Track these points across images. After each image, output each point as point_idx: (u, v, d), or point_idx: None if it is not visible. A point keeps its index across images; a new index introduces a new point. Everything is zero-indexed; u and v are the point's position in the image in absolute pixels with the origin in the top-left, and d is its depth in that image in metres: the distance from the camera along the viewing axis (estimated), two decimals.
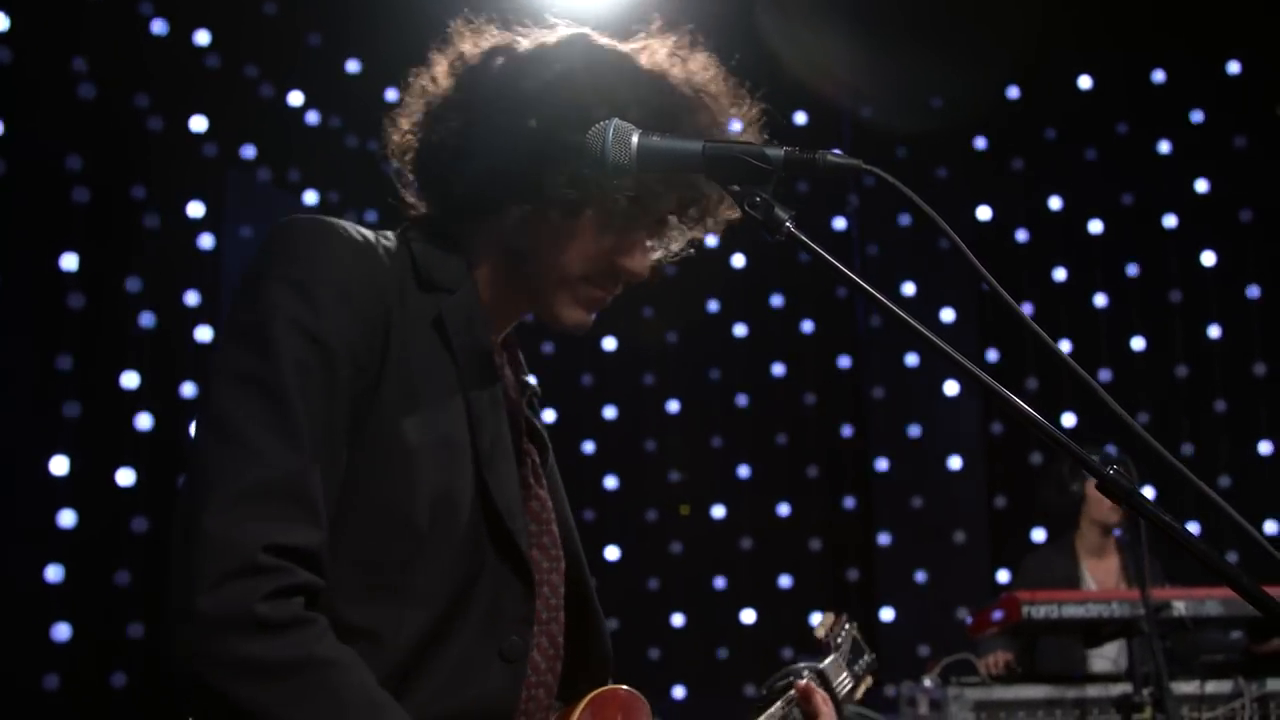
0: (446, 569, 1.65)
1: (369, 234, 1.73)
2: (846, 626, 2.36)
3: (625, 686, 1.85)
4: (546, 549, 1.83)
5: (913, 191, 1.55)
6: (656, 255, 1.89)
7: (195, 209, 6.38)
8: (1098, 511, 5.50)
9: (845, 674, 2.27)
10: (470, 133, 1.76)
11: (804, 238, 1.56)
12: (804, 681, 2.14)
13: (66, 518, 5.92)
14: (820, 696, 2.11)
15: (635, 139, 1.64)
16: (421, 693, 1.62)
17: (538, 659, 1.78)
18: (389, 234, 1.78)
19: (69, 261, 6.04)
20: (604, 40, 1.84)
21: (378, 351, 1.64)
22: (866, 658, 2.37)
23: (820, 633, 2.30)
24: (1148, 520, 1.37)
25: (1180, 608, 4.52)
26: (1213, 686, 4.59)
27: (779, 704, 2.08)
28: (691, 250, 1.93)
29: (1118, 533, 5.48)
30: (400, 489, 1.63)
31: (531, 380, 1.95)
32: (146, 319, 6.15)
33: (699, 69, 1.84)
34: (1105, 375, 7.53)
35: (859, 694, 2.36)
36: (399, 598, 1.62)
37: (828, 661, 2.24)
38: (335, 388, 1.59)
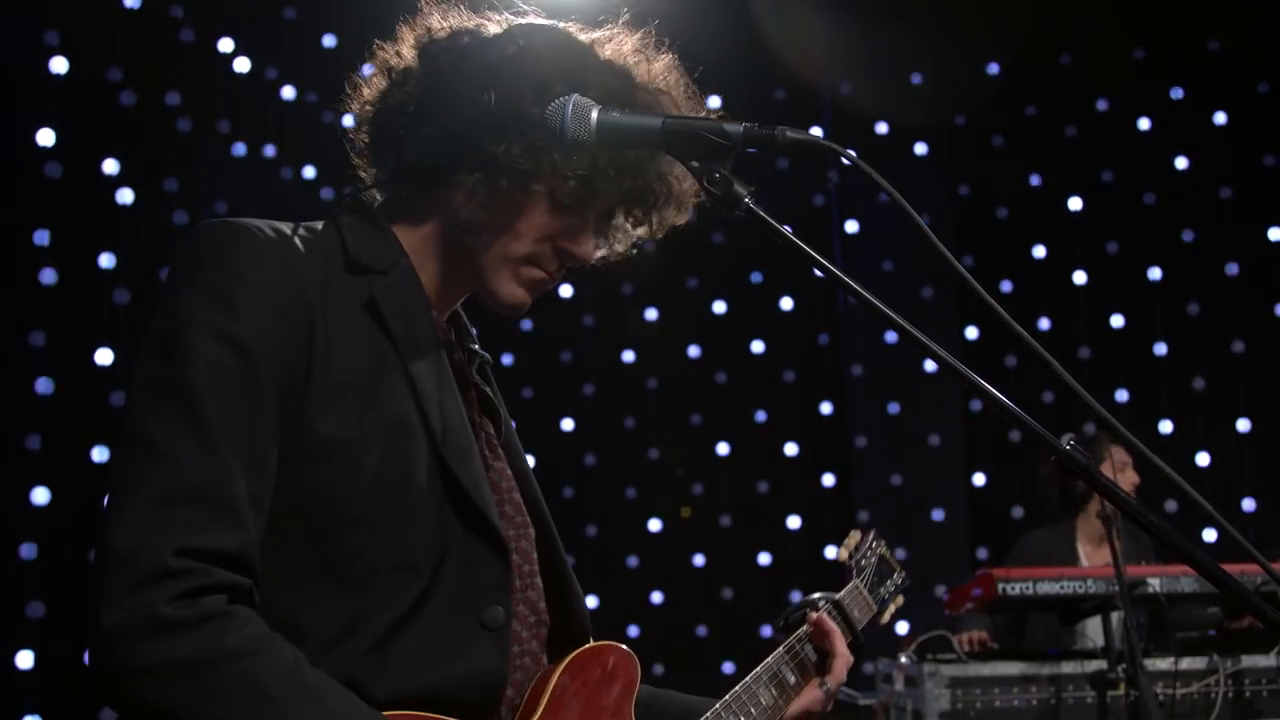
0: (411, 551, 1.64)
1: (284, 227, 1.70)
2: (873, 544, 2.30)
3: (609, 642, 1.83)
4: (511, 517, 1.82)
5: (890, 168, 1.53)
6: (601, 253, 1.88)
7: (170, 184, 6.33)
8: (1096, 516, 5.50)
9: (868, 599, 2.22)
10: (427, 100, 1.75)
11: (763, 214, 1.54)
12: (817, 614, 2.11)
13: (40, 495, 5.89)
14: (835, 634, 2.09)
15: (595, 114, 1.63)
16: (401, 670, 1.60)
17: (518, 628, 1.77)
18: (315, 224, 1.75)
19: (41, 237, 5.99)
20: (572, 28, 1.84)
21: (303, 346, 1.61)
22: (896, 577, 2.31)
23: (843, 555, 2.24)
24: (1103, 496, 1.35)
25: (1155, 584, 4.53)
26: (1188, 663, 4.60)
27: (786, 644, 2.06)
28: (634, 251, 1.91)
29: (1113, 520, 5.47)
30: (344, 481, 1.61)
31: (480, 350, 1.92)
32: (120, 295, 6.12)
33: (661, 69, 1.84)
34: (1085, 352, 7.54)
35: (886, 617, 2.31)
36: (363, 587, 1.61)
37: (846, 590, 2.19)
38: (259, 389, 1.56)
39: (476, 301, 1.89)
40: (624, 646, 1.84)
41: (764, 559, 7.56)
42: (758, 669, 2.02)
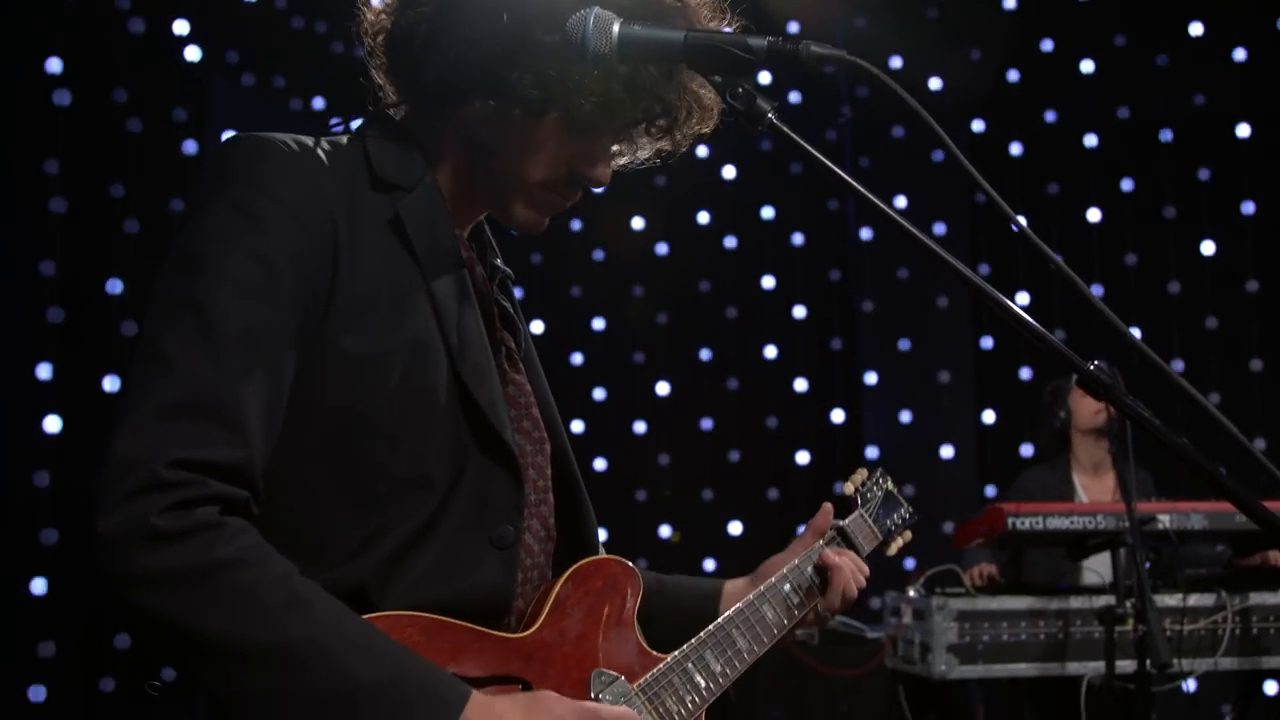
0: (428, 467, 1.64)
1: (309, 141, 1.68)
2: (880, 480, 2.31)
3: (611, 556, 1.84)
4: (529, 433, 1.82)
5: (905, 110, 1.50)
6: (622, 161, 1.86)
7: (178, 115, 6.29)
8: (1084, 418, 5.48)
9: (873, 529, 2.24)
10: (442, 21, 1.72)
11: (786, 129, 1.52)
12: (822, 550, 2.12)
13: (52, 424, 5.91)
14: (838, 555, 2.11)
15: (616, 27, 1.61)
16: (411, 583, 1.61)
17: (530, 542, 1.78)
18: (340, 138, 1.74)
19: (51, 166, 5.96)
20: None
21: (328, 262, 1.61)
22: (903, 512, 2.32)
23: (848, 488, 2.26)
24: (1127, 415, 1.35)
25: (1165, 521, 4.53)
26: (1196, 599, 4.61)
27: (789, 565, 2.08)
28: (658, 161, 1.89)
29: (1110, 448, 5.46)
30: (367, 396, 1.61)
31: (501, 264, 1.91)
32: (130, 225, 6.10)
33: None
34: (1097, 290, 7.50)
35: (892, 550, 2.32)
36: (380, 502, 1.62)
37: (850, 518, 2.21)
38: (280, 305, 1.56)
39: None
40: (626, 560, 1.85)
41: (773, 494, 7.59)
42: (762, 587, 2.04)
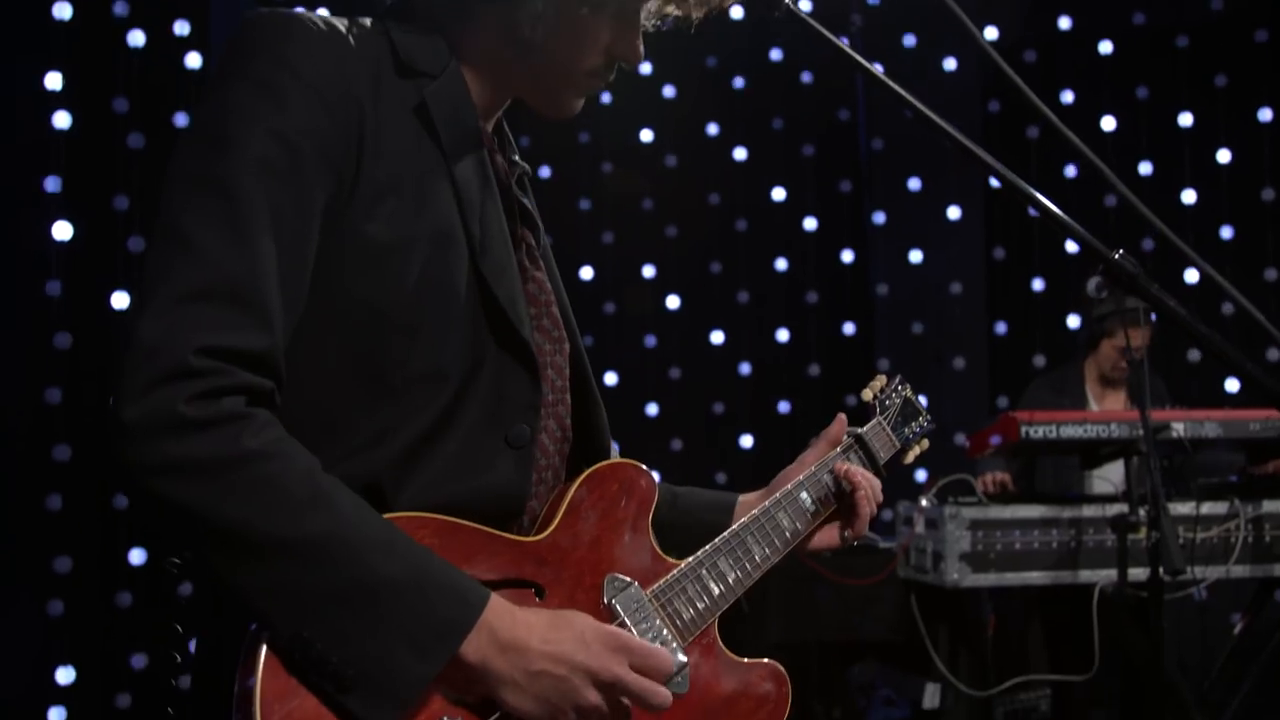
0: (445, 362, 1.62)
1: (338, 22, 1.64)
2: (899, 387, 2.29)
3: (627, 460, 1.82)
4: (548, 331, 1.80)
5: (914, 13, 1.46)
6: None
7: (181, 27, 6.21)
8: (1104, 364, 5.47)
9: (891, 436, 2.22)
10: None
11: (802, 13, 1.48)
12: (839, 463, 2.10)
13: (62, 340, 5.91)
14: (854, 472, 2.08)
15: None
16: (425, 481, 1.60)
17: (546, 442, 1.77)
18: (364, 20, 1.69)
19: (53, 81, 5.89)
20: None
21: (353, 145, 1.57)
22: (921, 420, 2.29)
23: (867, 395, 2.23)
24: (1153, 306, 1.31)
25: (1179, 429, 4.52)
26: (1209, 507, 4.61)
27: (806, 473, 2.06)
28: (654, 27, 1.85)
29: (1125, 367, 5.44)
30: (387, 284, 1.59)
31: (520, 161, 1.88)
32: (135, 140, 6.04)
33: None
34: (1111, 200, 7.44)
35: (909, 458, 2.30)
36: (396, 395, 1.60)
37: (869, 425, 2.19)
38: (302, 186, 1.53)
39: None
40: (641, 465, 1.83)
41: (783, 407, 7.58)
42: (778, 494, 2.02)
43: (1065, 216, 1.40)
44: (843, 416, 2.16)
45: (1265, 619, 4.81)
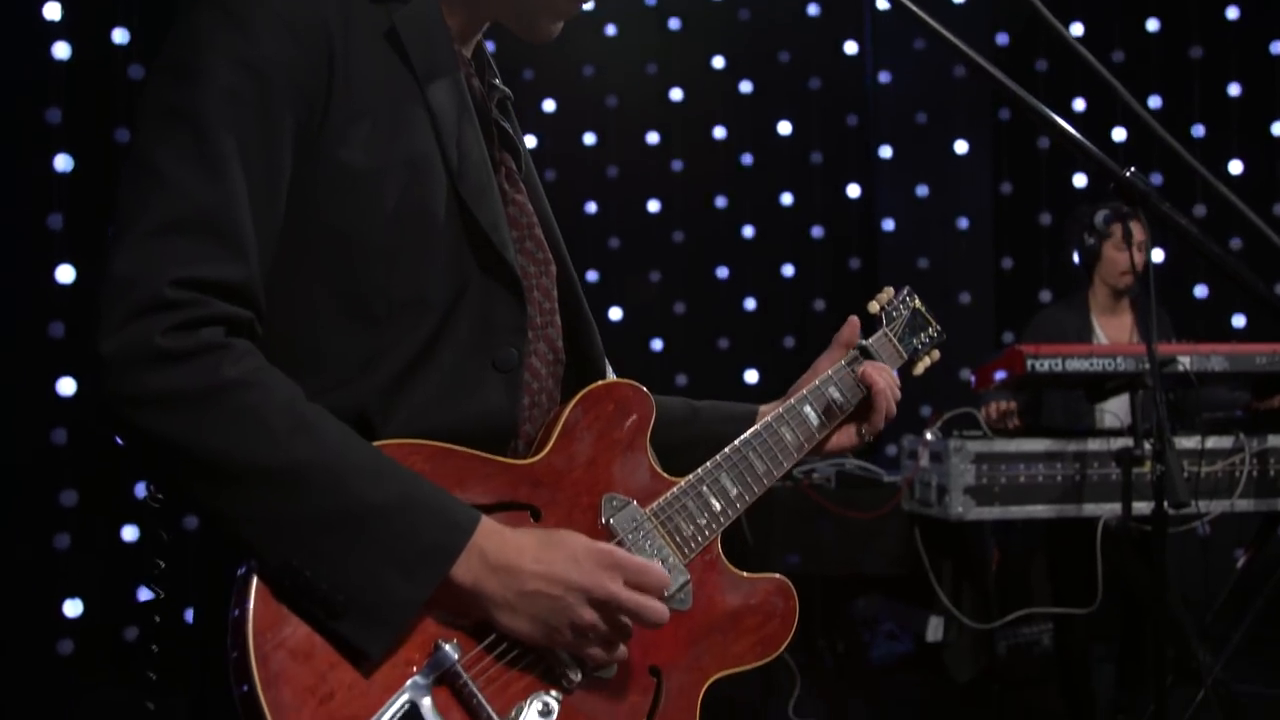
0: (428, 288, 1.61)
1: None
2: (907, 298, 2.26)
3: (623, 379, 1.80)
4: (531, 254, 1.78)
5: None
6: None
7: None
8: (1110, 273, 5.42)
9: (897, 348, 2.19)
10: None
11: None
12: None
13: (64, 274, 5.90)
14: (875, 369, 2.06)
15: None
16: (413, 409, 1.59)
17: (536, 365, 1.76)
18: None
19: (52, 11, 5.85)
20: None
21: (323, 71, 1.55)
22: (931, 330, 2.25)
23: (873, 307, 2.21)
24: (1162, 223, 1.29)
25: (1185, 362, 4.50)
26: (1213, 441, 4.60)
27: (810, 386, 2.03)
28: None
29: (1132, 292, 5.41)
30: (364, 213, 1.57)
31: (500, 85, 1.85)
32: (135, 71, 6.00)
33: None
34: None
35: (919, 369, 2.28)
36: (379, 323, 1.58)
37: (875, 337, 2.16)
38: (272, 116, 1.51)
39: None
40: (638, 384, 1.80)
41: (788, 342, 7.57)
42: (781, 409, 2.00)
43: (1077, 134, 1.37)
44: (854, 319, 2.14)
45: (1268, 553, 4.81)
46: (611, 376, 1.90)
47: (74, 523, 6.09)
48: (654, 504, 1.76)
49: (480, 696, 1.49)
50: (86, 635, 6.10)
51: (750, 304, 7.58)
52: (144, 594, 6.10)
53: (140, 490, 6.16)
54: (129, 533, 6.21)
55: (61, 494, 6.04)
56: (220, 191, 1.46)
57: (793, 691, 5.08)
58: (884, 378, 2.07)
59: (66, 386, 5.93)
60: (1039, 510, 4.57)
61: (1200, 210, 7.26)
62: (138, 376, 1.38)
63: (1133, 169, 1.38)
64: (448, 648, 1.48)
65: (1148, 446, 4.05)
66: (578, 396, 1.75)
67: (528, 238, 1.78)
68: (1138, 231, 5.02)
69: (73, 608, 6.04)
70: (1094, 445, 4.57)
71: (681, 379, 7.37)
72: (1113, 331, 5.46)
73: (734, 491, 1.86)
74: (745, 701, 5.53)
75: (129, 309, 1.39)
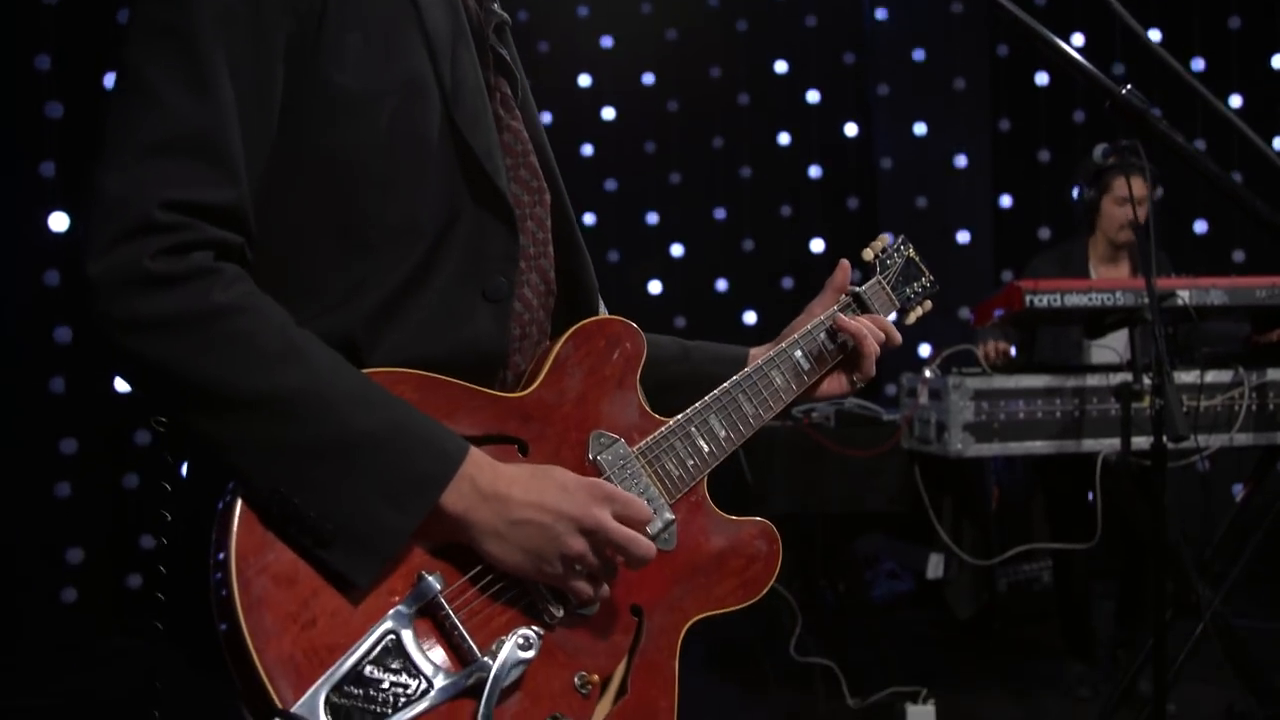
0: (420, 215, 1.59)
1: None
2: (901, 247, 2.24)
3: (615, 316, 1.79)
4: (526, 182, 1.76)
5: None
6: None
7: None
8: (1109, 227, 5.40)
9: (890, 296, 2.17)
10: None
11: None
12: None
13: (57, 221, 5.88)
14: (854, 320, 2.02)
15: None
16: (401, 337, 1.57)
17: (528, 295, 1.73)
18: None
19: None
20: None
21: None
22: (923, 280, 2.23)
23: (867, 255, 2.18)
24: (1161, 142, 1.27)
25: (1185, 296, 4.47)
26: (1213, 376, 4.59)
27: (801, 331, 2.01)
28: None
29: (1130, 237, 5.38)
30: (358, 136, 1.55)
31: (498, 9, 1.82)
32: (124, 16, 5.94)
33: None
34: (1119, 68, 7.32)
35: (911, 319, 2.26)
36: (370, 249, 1.56)
37: (868, 284, 2.13)
38: (265, 35, 1.48)
39: None
40: (629, 321, 1.79)
41: (787, 283, 7.55)
42: (771, 352, 1.98)
43: (1077, 55, 1.35)
44: (845, 263, 2.11)
45: (1268, 488, 4.81)
46: (604, 312, 1.87)
47: (75, 471, 6.11)
48: (642, 443, 1.75)
49: (462, 629, 1.49)
50: (89, 583, 6.13)
51: (748, 245, 7.55)
52: (147, 542, 6.13)
53: (141, 437, 6.17)
54: (130, 480, 6.23)
55: (61, 441, 6.05)
56: (211, 111, 1.43)
57: (794, 631, 5.10)
58: (862, 327, 2.01)
59: (64, 335, 5.92)
60: (1038, 446, 4.56)
61: (1199, 145, 7.22)
62: (127, 300, 1.36)
63: (1130, 86, 1.36)
64: (431, 579, 1.47)
65: (1147, 381, 4.03)
66: (569, 331, 1.73)
67: (522, 165, 1.76)
68: (1138, 187, 4.99)
69: (74, 555, 6.07)
70: (1093, 381, 4.56)
71: (680, 321, 7.36)
72: (1111, 276, 5.45)
73: (722, 434, 1.84)
74: (747, 641, 5.56)
75: (117, 231, 1.37)
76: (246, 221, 1.48)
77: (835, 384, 2.07)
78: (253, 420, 1.40)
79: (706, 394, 1.85)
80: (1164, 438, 3.83)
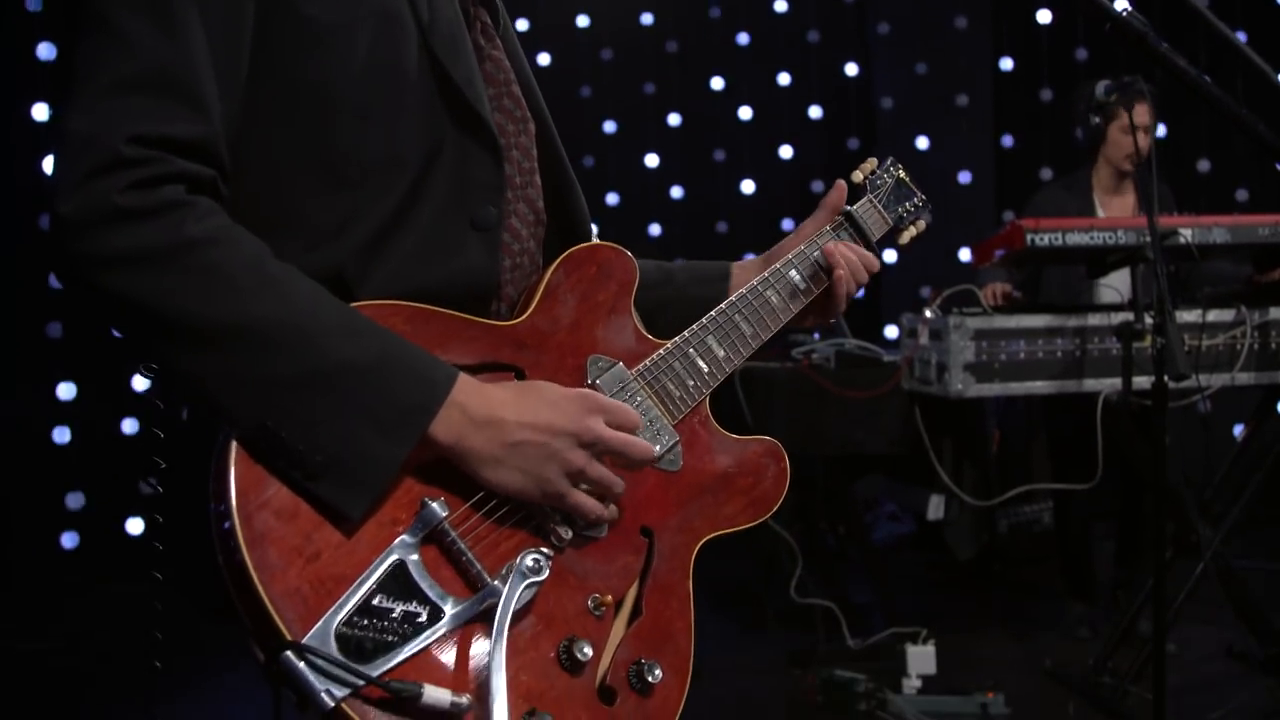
0: (403, 147, 1.57)
1: None
2: (891, 168, 2.22)
3: (605, 242, 1.77)
4: (509, 111, 1.74)
5: None
6: None
7: None
8: (1115, 154, 5.34)
9: (883, 214, 2.15)
10: None
11: None
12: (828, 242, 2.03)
13: (51, 164, 5.84)
14: (838, 247, 2.00)
15: None
16: (390, 270, 1.56)
17: (516, 225, 1.72)
18: None
19: None
20: None
21: None
22: (915, 200, 2.21)
23: (857, 176, 2.16)
24: (1162, 65, 1.24)
25: (1187, 235, 4.44)
26: (1215, 315, 4.57)
27: (795, 250, 1.99)
28: None
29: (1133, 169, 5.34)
30: (333, 67, 1.53)
31: None
32: None
33: None
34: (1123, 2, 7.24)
35: (904, 239, 2.24)
36: (353, 184, 1.54)
37: (859, 204, 2.10)
38: None
39: None
40: (620, 246, 1.77)
41: (787, 224, 7.51)
42: (766, 272, 1.96)
43: None
44: (841, 183, 2.09)
45: (1269, 428, 4.80)
46: (595, 239, 1.85)
47: (73, 416, 6.10)
48: (640, 365, 1.74)
49: (470, 554, 1.48)
50: (89, 528, 6.15)
51: (748, 186, 7.51)
52: (145, 489, 6.13)
53: (138, 383, 6.16)
54: (129, 425, 6.22)
55: (59, 386, 6.05)
56: (178, 46, 1.41)
57: (794, 572, 5.11)
58: (846, 259, 1.99)
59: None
60: (1039, 386, 4.55)
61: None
62: (97, 236, 1.34)
63: (1129, 7, 1.32)
64: (434, 505, 1.46)
65: (1148, 320, 4.01)
66: (560, 258, 1.71)
67: (505, 95, 1.74)
68: (1142, 115, 4.93)
69: (74, 500, 6.07)
70: (1094, 320, 4.54)
71: (680, 263, 7.31)
72: (1115, 210, 5.40)
73: (721, 353, 1.83)
74: (747, 582, 5.56)
75: (86, 169, 1.35)
76: (219, 156, 1.45)
77: (821, 303, 2.05)
78: (228, 353, 1.38)
79: (694, 315, 1.84)
80: (1165, 377, 3.80)
